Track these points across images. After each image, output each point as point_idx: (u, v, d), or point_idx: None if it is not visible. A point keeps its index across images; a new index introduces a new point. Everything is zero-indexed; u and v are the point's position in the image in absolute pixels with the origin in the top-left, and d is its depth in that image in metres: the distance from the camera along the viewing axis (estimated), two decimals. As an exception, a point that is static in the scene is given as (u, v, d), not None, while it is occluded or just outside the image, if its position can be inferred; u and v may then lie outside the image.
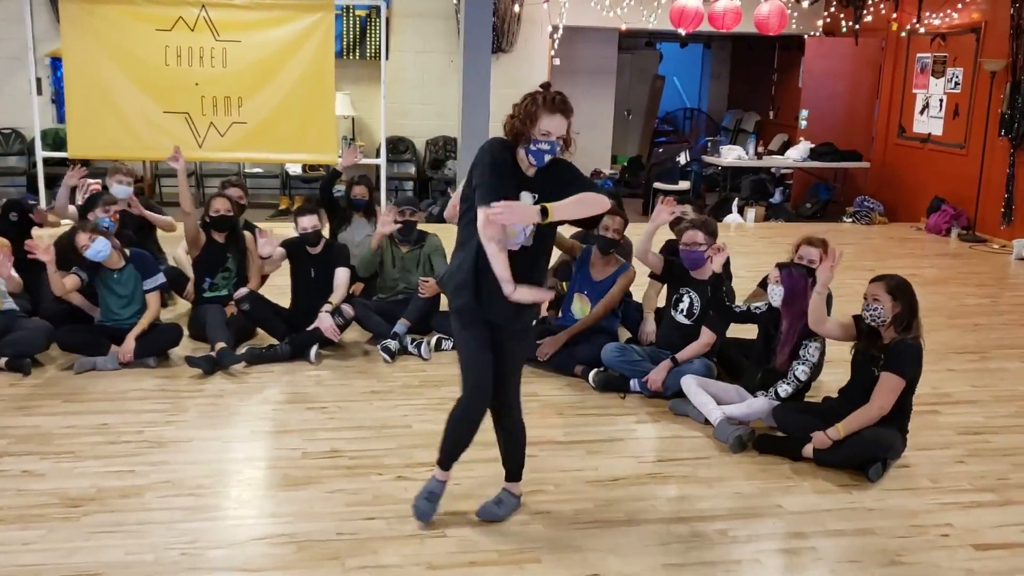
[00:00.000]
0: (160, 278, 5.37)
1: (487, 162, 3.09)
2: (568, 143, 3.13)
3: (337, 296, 5.45)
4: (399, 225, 5.73)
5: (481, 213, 2.98)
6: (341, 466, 3.98)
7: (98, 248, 5.07)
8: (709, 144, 12.22)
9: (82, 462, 3.92)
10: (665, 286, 5.35)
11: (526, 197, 3.12)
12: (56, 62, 10.16)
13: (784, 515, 3.71)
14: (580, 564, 3.26)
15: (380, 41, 10.06)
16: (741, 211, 11.25)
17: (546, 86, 3.13)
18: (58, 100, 10.47)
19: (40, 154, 9.01)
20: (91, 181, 6.61)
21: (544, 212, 2.97)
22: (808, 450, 4.13)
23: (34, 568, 3.06)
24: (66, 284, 5.09)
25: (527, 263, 3.16)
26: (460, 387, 3.34)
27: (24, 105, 9.22)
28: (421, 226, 5.97)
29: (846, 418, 4.05)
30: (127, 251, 5.29)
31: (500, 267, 3.04)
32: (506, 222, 2.98)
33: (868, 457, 4.02)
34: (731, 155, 11.59)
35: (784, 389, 4.49)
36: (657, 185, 11.79)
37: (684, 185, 11.81)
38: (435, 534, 3.42)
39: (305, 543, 3.33)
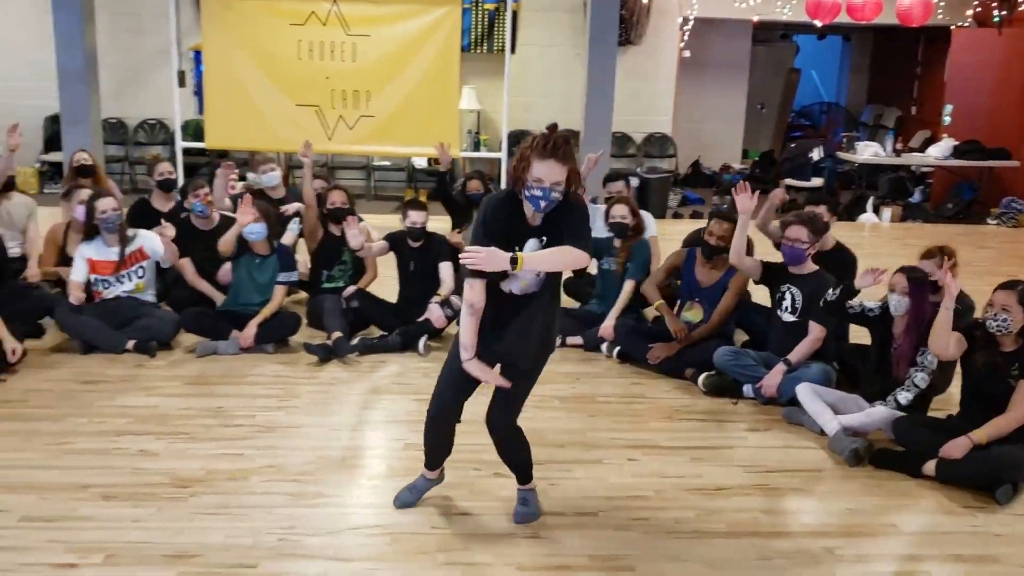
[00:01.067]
0: (294, 275, 5.55)
1: (477, 221, 3.14)
2: (570, 189, 3.00)
3: (445, 288, 5.52)
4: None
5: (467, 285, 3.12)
6: (440, 460, 3.98)
7: (258, 230, 5.31)
8: (845, 140, 11.72)
9: (195, 444, 4.07)
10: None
11: (532, 244, 3.08)
12: (200, 55, 10.63)
13: (898, 535, 3.50)
14: (675, 575, 3.16)
15: (508, 35, 10.06)
16: (876, 210, 10.75)
17: (551, 128, 3.01)
18: (200, 92, 10.95)
19: (180, 144, 9.43)
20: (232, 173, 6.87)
21: (515, 262, 2.91)
22: (929, 467, 3.90)
23: (139, 545, 3.19)
24: (227, 248, 5.35)
25: (525, 307, 3.15)
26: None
27: (169, 97, 9.66)
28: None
29: (986, 424, 3.81)
30: (275, 243, 5.48)
31: (467, 334, 3.14)
32: (484, 268, 2.93)
33: (996, 477, 3.76)
34: (867, 152, 11.08)
35: (904, 396, 4.25)
36: (788, 181, 11.40)
37: (816, 182, 11.40)
38: (528, 535, 3.39)
39: (399, 535, 3.35)
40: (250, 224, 5.28)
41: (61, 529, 3.28)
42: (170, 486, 3.65)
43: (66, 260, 5.67)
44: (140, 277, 5.47)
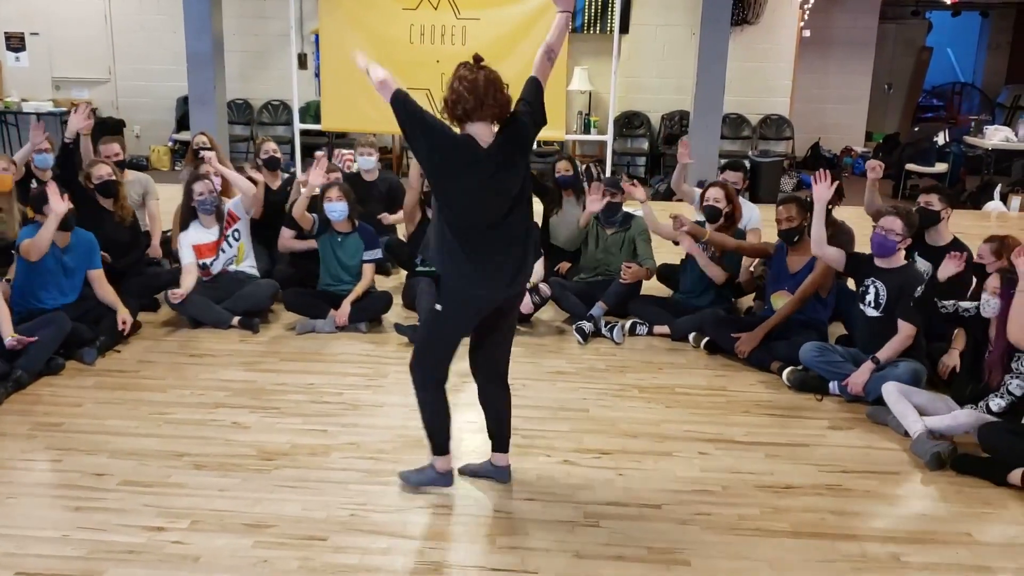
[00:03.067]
0: (378, 253, 5.75)
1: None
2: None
3: (535, 276, 5.60)
4: (606, 200, 5.76)
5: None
6: (513, 444, 4.01)
7: (340, 208, 5.57)
8: (973, 124, 11.14)
9: (284, 418, 4.30)
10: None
11: None
12: (319, 39, 11.01)
13: (972, 545, 3.40)
14: (730, 572, 3.17)
15: (617, 15, 9.97)
16: (1005, 198, 10.21)
17: (476, 58, 3.27)
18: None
19: (297, 126, 9.80)
20: (345, 152, 7.17)
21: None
22: (1015, 476, 3.76)
23: (221, 513, 3.42)
24: (304, 219, 5.61)
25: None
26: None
27: (290, 79, 10.03)
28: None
29: None
30: (356, 221, 5.70)
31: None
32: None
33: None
34: (996, 136, 10.53)
35: (997, 403, 4.11)
36: (910, 167, 10.97)
37: (941, 167, 10.91)
38: (589, 523, 3.45)
39: (462, 516, 3.48)
40: (332, 203, 5.52)
41: (155, 494, 3.55)
42: (256, 458, 3.88)
43: None
44: (237, 240, 5.82)
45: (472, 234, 3.23)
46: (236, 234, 5.81)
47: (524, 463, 3.91)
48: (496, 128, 3.23)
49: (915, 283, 4.48)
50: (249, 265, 5.87)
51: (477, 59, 3.27)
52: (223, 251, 5.76)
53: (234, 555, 3.17)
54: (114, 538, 3.24)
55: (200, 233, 5.71)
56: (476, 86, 3.17)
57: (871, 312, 4.72)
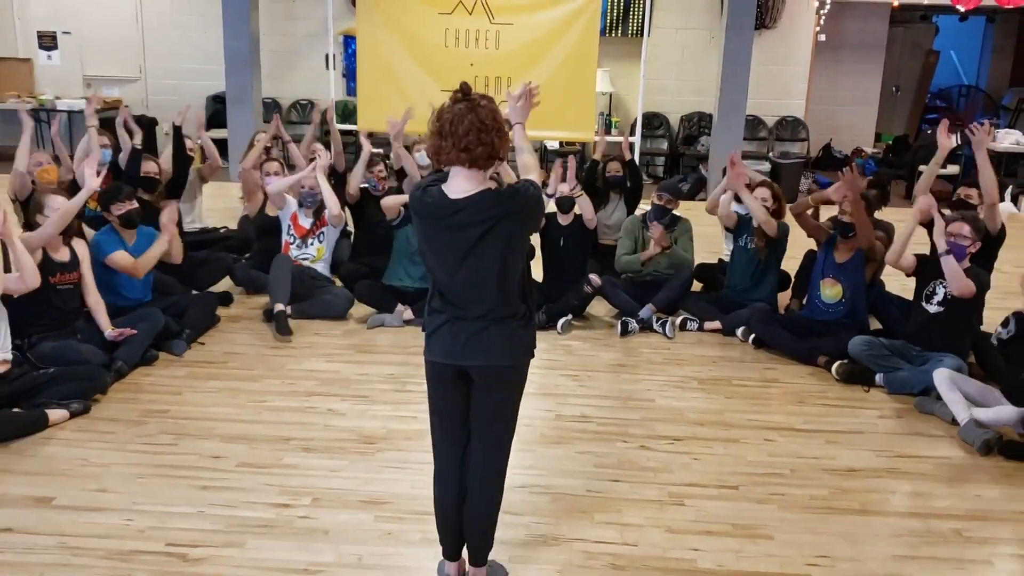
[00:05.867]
0: None
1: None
2: None
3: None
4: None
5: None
6: (589, 431, 4.39)
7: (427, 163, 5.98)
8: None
9: (375, 406, 4.58)
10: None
11: None
12: (347, 40, 11.28)
13: (1026, 523, 3.72)
14: (811, 545, 3.47)
15: (643, 18, 10.27)
16: (1015, 200, 10.55)
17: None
18: (348, 75, 11.60)
19: (335, 126, 10.02)
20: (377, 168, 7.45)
21: None
22: (1059, 461, 4.08)
23: (339, 491, 3.72)
24: (392, 209, 5.79)
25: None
26: None
27: (318, 78, 10.32)
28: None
29: None
30: None
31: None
32: None
33: None
34: (1008, 139, 10.87)
35: None
36: (922, 168, 11.26)
37: (953, 169, 11.23)
38: (674, 502, 3.75)
39: (558, 495, 3.77)
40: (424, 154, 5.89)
41: (272, 475, 3.84)
42: (358, 442, 4.17)
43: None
44: (320, 242, 6.13)
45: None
46: (321, 235, 6.10)
47: (603, 448, 4.21)
48: (481, 182, 2.74)
49: (981, 282, 4.79)
50: (322, 266, 6.15)
51: (465, 90, 2.73)
52: (307, 244, 6.08)
53: (359, 528, 3.46)
54: (245, 513, 3.53)
55: (300, 213, 6.12)
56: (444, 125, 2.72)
57: (934, 309, 4.99)
